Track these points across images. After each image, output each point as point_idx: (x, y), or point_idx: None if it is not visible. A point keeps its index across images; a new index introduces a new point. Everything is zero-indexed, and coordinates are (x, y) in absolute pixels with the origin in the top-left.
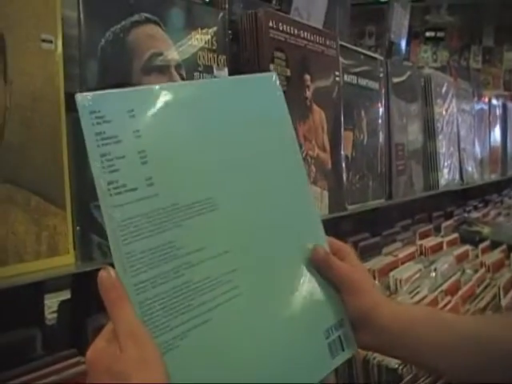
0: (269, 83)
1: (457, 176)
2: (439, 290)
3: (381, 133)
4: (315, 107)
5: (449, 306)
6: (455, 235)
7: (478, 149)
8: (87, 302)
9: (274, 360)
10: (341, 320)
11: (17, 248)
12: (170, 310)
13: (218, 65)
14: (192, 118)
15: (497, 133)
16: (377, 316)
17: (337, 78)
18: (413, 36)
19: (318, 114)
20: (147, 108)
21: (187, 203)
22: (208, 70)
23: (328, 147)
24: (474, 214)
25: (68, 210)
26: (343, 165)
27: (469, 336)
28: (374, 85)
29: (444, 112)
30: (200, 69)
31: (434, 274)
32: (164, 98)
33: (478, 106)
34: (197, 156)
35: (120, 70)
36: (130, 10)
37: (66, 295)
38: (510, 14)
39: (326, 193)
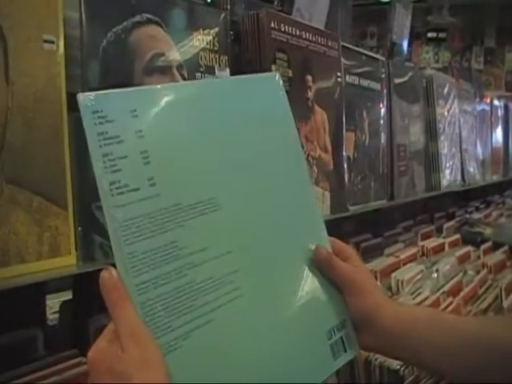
0: (272, 83)
1: (458, 177)
2: (441, 291)
3: (383, 133)
4: (317, 108)
5: (450, 307)
6: (457, 236)
7: (479, 150)
8: (89, 303)
9: (275, 361)
10: (343, 321)
11: (18, 248)
12: (172, 310)
13: (219, 65)
14: (195, 118)
15: (498, 134)
16: (379, 317)
17: (338, 79)
18: (414, 37)
19: (320, 115)
20: (150, 108)
21: (190, 203)
22: (210, 70)
23: (330, 148)
24: (476, 215)
25: (70, 211)
26: (345, 165)
27: (471, 337)
28: (376, 85)
29: (446, 113)
30: (202, 69)
31: (435, 275)
32: (166, 97)
33: (479, 107)
34: (199, 156)
35: (122, 71)
36: (131, 10)
37: (67, 296)
38: (511, 15)
39: (327, 193)
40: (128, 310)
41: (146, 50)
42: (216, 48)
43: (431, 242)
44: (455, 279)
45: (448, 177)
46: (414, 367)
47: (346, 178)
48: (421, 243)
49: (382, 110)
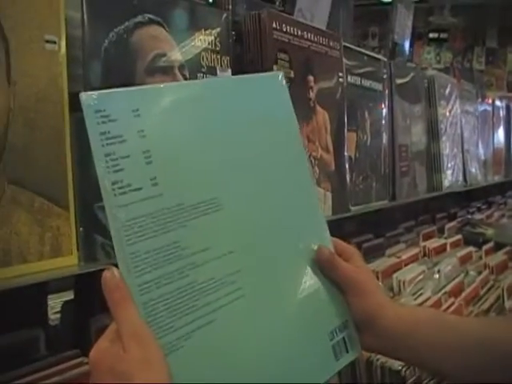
0: (275, 82)
1: (460, 177)
2: (443, 291)
3: (384, 134)
4: (319, 108)
5: (452, 308)
6: (459, 237)
7: (481, 150)
8: (90, 303)
9: (277, 361)
10: (345, 321)
11: (20, 249)
12: (174, 310)
13: (221, 66)
14: (197, 118)
15: (500, 134)
16: (381, 317)
17: (340, 79)
18: (416, 37)
19: (322, 115)
20: (152, 107)
21: (192, 203)
22: (211, 70)
23: (331, 148)
24: (478, 216)
25: (71, 211)
26: (346, 166)
27: (472, 338)
28: (378, 86)
29: (447, 113)
30: (203, 70)
31: (437, 276)
32: (169, 97)
33: (481, 108)
34: (202, 156)
35: (123, 71)
36: (133, 10)
37: (69, 296)
38: None
39: (329, 194)
40: (130, 310)
41: (148, 50)
42: (218, 48)
43: (433, 243)
44: (457, 280)
45: (450, 177)
46: (415, 368)
47: (348, 179)
48: (422, 244)
49: (384, 111)
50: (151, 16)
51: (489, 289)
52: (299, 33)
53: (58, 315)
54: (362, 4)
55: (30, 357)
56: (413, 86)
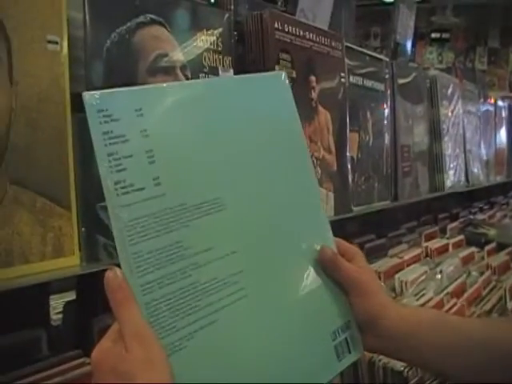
0: (278, 82)
1: (462, 178)
2: (445, 292)
3: (386, 134)
4: (321, 108)
5: (454, 309)
6: (461, 237)
7: (483, 150)
8: (92, 303)
9: (279, 362)
10: (348, 322)
11: (22, 249)
12: (177, 310)
13: (223, 66)
14: (200, 117)
15: (502, 134)
16: (383, 318)
17: (342, 80)
18: (418, 37)
19: (324, 116)
20: (155, 107)
21: (195, 203)
22: (213, 71)
23: (333, 149)
24: (480, 216)
25: (73, 211)
26: (349, 166)
27: (475, 338)
28: (380, 86)
29: (450, 113)
30: (205, 70)
31: (439, 276)
32: (172, 96)
33: (483, 108)
34: (205, 155)
35: (125, 71)
36: (135, 11)
37: (71, 296)
38: None
39: (331, 194)
40: (132, 311)
41: (150, 50)
42: (220, 48)
43: (435, 243)
44: (459, 280)
45: (452, 177)
46: (417, 368)
47: (350, 179)
48: (425, 244)
49: (386, 111)
50: (153, 16)
51: (491, 289)
52: (301, 33)
53: (60, 315)
54: (364, 4)
55: (31, 357)
56: (415, 86)
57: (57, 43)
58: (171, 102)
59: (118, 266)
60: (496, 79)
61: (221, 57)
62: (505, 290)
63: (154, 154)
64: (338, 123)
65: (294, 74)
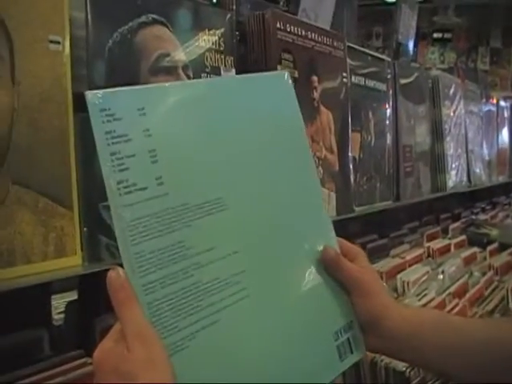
0: (281, 81)
1: (464, 178)
2: (447, 292)
3: (388, 134)
4: (323, 108)
5: (456, 309)
6: (463, 237)
7: (485, 150)
8: (94, 303)
9: (281, 362)
10: (350, 322)
11: (24, 249)
12: (179, 310)
13: (225, 66)
14: (203, 117)
15: (505, 134)
16: (386, 318)
17: (344, 80)
18: (420, 37)
19: (326, 116)
20: (158, 106)
21: (197, 203)
22: (215, 71)
23: (335, 149)
24: (482, 216)
25: (75, 211)
26: (351, 166)
27: (477, 339)
28: (382, 86)
29: (452, 113)
30: (207, 70)
31: (441, 277)
32: (175, 96)
33: (485, 108)
34: (207, 155)
35: (127, 71)
36: (137, 11)
37: (73, 296)
38: None
39: (333, 194)
40: (135, 310)
41: (152, 50)
42: (222, 48)
43: (437, 243)
44: (461, 280)
45: (454, 178)
46: (419, 369)
47: (352, 179)
48: (426, 244)
49: (388, 111)
50: (155, 16)
51: (493, 290)
52: (303, 33)
53: (62, 315)
54: (366, 4)
55: (33, 357)
56: (417, 87)
57: (59, 43)
58: (173, 101)
59: (121, 265)
60: (498, 79)
61: (223, 57)
62: (507, 291)
63: (157, 154)
64: (339, 123)
65: (296, 74)
